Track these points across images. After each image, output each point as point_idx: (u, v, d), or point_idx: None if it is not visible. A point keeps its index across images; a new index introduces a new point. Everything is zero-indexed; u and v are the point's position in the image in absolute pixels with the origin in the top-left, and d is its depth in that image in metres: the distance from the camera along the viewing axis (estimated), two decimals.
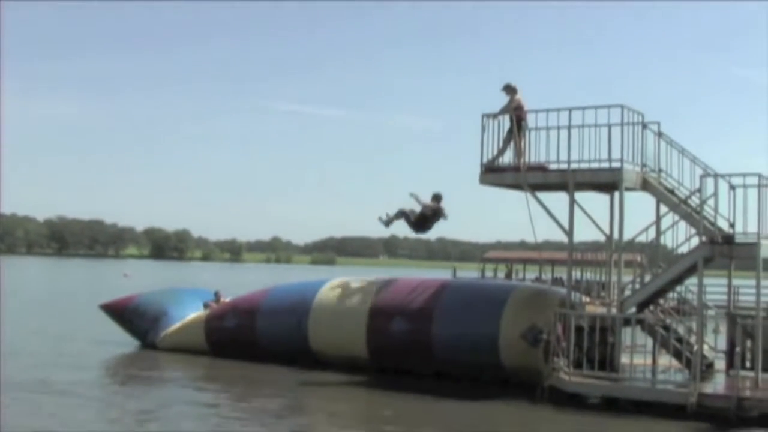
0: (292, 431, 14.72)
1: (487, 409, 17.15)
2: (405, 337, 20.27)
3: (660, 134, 18.59)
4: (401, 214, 21.59)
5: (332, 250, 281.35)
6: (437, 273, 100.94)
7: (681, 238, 18.06)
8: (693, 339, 17.96)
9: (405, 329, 20.32)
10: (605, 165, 18.15)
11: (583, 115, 18.28)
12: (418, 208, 21.57)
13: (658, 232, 18.71)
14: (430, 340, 19.99)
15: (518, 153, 19.22)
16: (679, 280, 18.50)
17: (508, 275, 56.26)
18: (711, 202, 17.38)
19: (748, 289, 22.71)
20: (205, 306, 24.61)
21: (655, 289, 18.15)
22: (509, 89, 19.61)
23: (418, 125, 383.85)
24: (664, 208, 18.51)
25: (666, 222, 18.43)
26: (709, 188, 17.36)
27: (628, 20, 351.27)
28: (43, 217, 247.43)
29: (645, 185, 18.43)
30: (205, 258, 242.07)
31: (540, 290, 21.27)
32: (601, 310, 19.10)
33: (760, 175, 17.13)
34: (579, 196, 18.90)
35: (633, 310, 18.25)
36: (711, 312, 20.61)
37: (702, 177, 17.61)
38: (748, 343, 17.86)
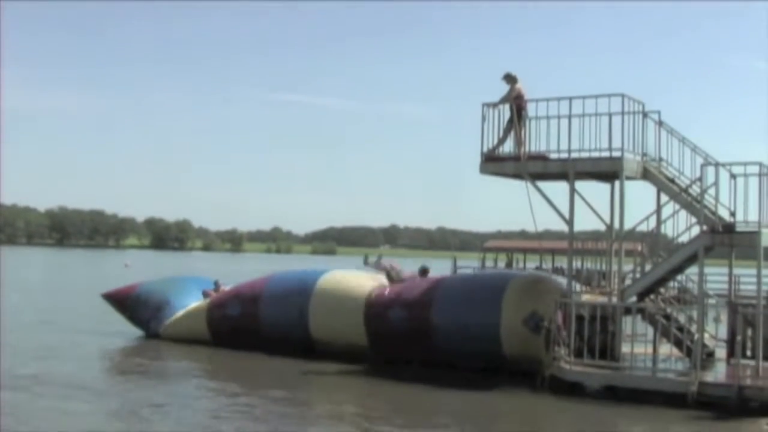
0: (295, 425, 14.71)
1: (488, 398, 17.17)
2: (404, 324, 20.30)
3: (660, 123, 18.57)
4: (386, 272, 22.12)
5: (332, 240, 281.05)
6: (438, 262, 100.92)
7: (682, 227, 18.07)
8: (694, 328, 17.96)
9: (404, 317, 20.36)
10: (606, 154, 18.13)
11: (583, 104, 18.27)
12: (404, 272, 22.24)
13: (659, 222, 18.70)
14: (429, 328, 20.00)
15: (518, 142, 19.20)
16: (679, 269, 18.50)
17: (509, 264, 56.23)
18: (712, 191, 17.37)
19: (748, 278, 22.70)
20: (205, 295, 24.61)
21: (656, 278, 18.15)
22: (509, 78, 19.57)
23: (418, 114, 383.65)
24: (664, 197, 18.50)
25: (667, 211, 18.43)
26: (710, 177, 17.35)
27: (627, 9, 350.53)
28: (44, 208, 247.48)
29: (645, 174, 18.41)
30: (206, 248, 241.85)
31: (538, 277, 21.33)
32: (601, 299, 19.12)
33: (761, 164, 17.12)
34: (579, 185, 18.89)
35: (634, 299, 18.25)
36: (712, 301, 20.61)
37: (703, 166, 17.59)
38: (749, 332, 17.86)
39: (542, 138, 18.80)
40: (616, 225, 18.75)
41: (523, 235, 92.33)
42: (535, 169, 18.95)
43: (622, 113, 18.01)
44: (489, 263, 56.54)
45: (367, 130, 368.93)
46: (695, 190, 17.82)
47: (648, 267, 18.59)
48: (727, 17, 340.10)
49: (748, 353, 17.60)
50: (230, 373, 19.74)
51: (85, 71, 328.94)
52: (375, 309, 20.80)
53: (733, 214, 17.40)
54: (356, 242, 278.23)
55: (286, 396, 16.63)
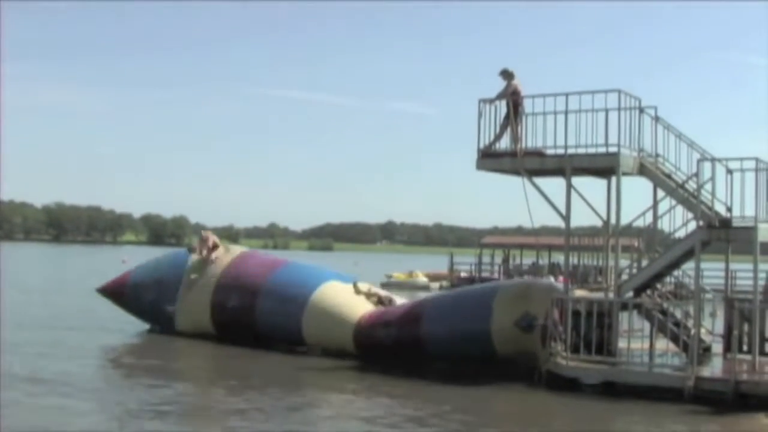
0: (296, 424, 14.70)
1: (485, 394, 17.23)
2: (393, 340, 20.48)
3: (657, 119, 18.58)
4: (379, 300, 22.23)
5: (329, 236, 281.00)
6: (435, 258, 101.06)
7: (678, 222, 18.08)
8: (690, 323, 17.99)
9: (392, 334, 20.56)
10: (602, 150, 18.14)
11: (579, 100, 18.28)
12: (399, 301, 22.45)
13: (656, 217, 18.71)
14: (419, 341, 20.13)
15: (515, 138, 19.20)
16: (676, 264, 18.51)
17: (506, 260, 56.21)
18: (708, 186, 17.39)
19: (745, 273, 22.76)
20: (190, 250, 24.52)
21: (653, 274, 18.17)
22: (506, 74, 19.58)
23: (415, 111, 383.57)
24: (661, 193, 18.51)
25: (663, 206, 18.43)
26: (707, 172, 17.36)
27: (626, 9, 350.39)
28: (40, 204, 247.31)
29: (642, 170, 18.42)
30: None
31: (529, 282, 21.46)
32: (596, 294, 19.14)
33: (757, 159, 17.14)
34: (576, 181, 18.92)
35: (630, 294, 18.28)
36: (708, 296, 20.64)
37: (699, 161, 17.60)
38: (746, 327, 17.91)
39: (539, 134, 18.83)
40: (613, 221, 18.75)
41: (519, 230, 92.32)
42: (531, 165, 18.96)
43: (619, 109, 18.03)
44: (486, 259, 56.46)
45: (363, 126, 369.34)
46: (692, 185, 17.82)
47: (645, 262, 18.61)
48: (722, 12, 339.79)
49: (745, 348, 17.65)
50: (230, 372, 19.59)
51: (83, 67, 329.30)
52: (364, 330, 21.00)
53: (729, 210, 17.42)
54: (353, 238, 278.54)
55: (287, 396, 16.58)
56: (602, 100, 18.12)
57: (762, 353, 17.08)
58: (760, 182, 17.10)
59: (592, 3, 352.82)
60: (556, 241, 40.33)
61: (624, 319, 18.55)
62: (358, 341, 20.96)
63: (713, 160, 17.41)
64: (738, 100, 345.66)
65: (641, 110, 18.55)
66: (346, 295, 22.15)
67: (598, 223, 20.14)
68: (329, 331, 21.43)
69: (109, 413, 14.56)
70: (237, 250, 25.52)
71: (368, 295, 22.23)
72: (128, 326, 25.65)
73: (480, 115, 19.48)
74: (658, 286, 19.65)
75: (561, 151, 18.52)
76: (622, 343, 17.85)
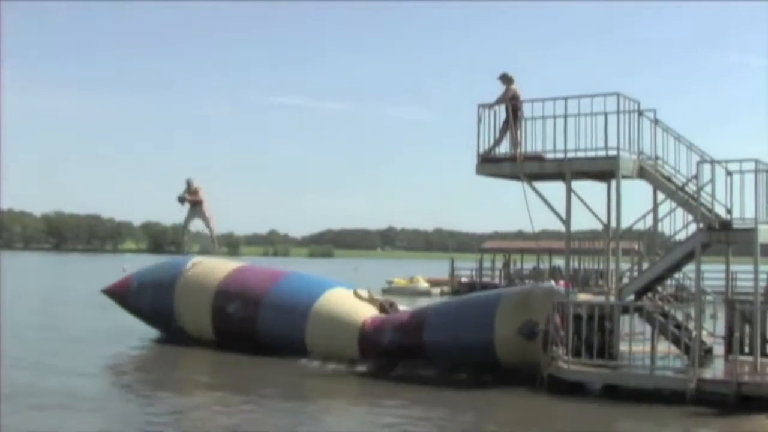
0: None
1: (486, 398, 17.25)
2: (396, 346, 20.47)
3: (656, 121, 18.61)
4: (380, 305, 22.26)
5: (330, 243, 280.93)
6: (435, 264, 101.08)
7: (678, 225, 18.09)
8: (691, 325, 18.00)
9: (395, 340, 20.55)
10: (602, 153, 18.17)
11: (578, 103, 18.30)
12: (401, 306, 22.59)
13: (656, 220, 18.74)
14: (421, 347, 20.14)
15: (514, 143, 19.23)
16: (677, 267, 18.52)
17: (506, 265, 56.22)
18: (708, 188, 17.42)
19: (745, 275, 22.76)
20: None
21: (653, 277, 18.19)
22: (506, 78, 19.60)
23: (415, 116, 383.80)
24: (661, 196, 18.53)
25: (663, 209, 18.46)
26: (706, 174, 17.39)
27: (622, 11, 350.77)
28: (40, 212, 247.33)
29: (642, 173, 18.44)
30: (204, 252, 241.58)
31: (528, 289, 21.48)
32: (598, 298, 19.16)
33: (756, 161, 17.17)
34: (576, 184, 18.94)
35: (631, 297, 18.29)
36: (709, 298, 20.65)
37: (699, 163, 17.63)
38: (747, 328, 17.92)
39: (538, 138, 18.87)
40: (613, 224, 18.78)
41: (520, 235, 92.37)
42: (531, 169, 18.99)
43: (618, 112, 18.06)
44: (487, 264, 56.47)
45: (363, 131, 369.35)
46: (691, 187, 17.84)
47: (645, 265, 18.63)
48: (721, 13, 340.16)
49: (746, 349, 17.67)
50: (233, 381, 19.26)
51: (81, 74, 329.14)
52: (368, 337, 20.99)
53: (729, 211, 17.43)
54: (354, 245, 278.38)
55: (290, 403, 16.50)
56: (601, 103, 18.16)
57: (763, 355, 17.09)
58: (760, 184, 17.14)
59: (588, 3, 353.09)
60: (557, 245, 40.34)
61: (625, 322, 18.56)
62: (362, 347, 20.95)
63: (713, 162, 17.44)
64: (737, 100, 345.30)
65: (640, 113, 18.58)
66: (350, 301, 22.15)
67: (599, 226, 20.16)
68: (333, 339, 21.40)
69: (109, 428, 14.29)
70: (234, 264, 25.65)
71: (370, 301, 22.24)
72: (128, 337, 25.62)
73: (479, 120, 19.51)
74: (659, 288, 19.67)
75: (561, 155, 18.55)
76: (623, 347, 17.88)
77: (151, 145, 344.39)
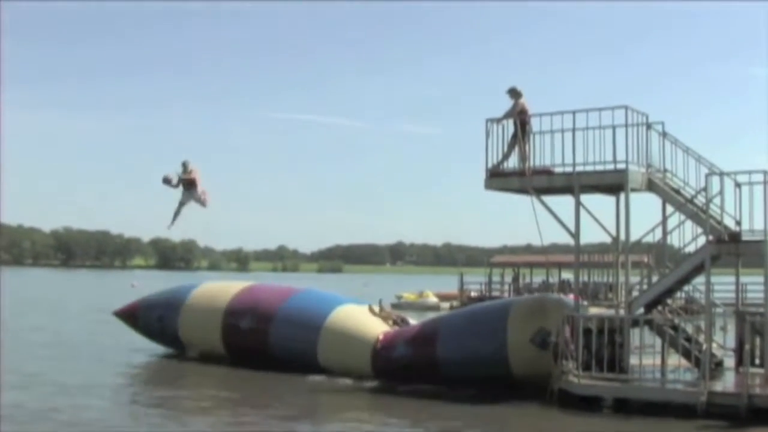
0: None
1: (497, 413, 17.22)
2: (408, 360, 20.44)
3: (664, 134, 18.61)
4: (392, 321, 22.35)
5: (339, 258, 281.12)
6: (444, 279, 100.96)
7: (688, 237, 18.08)
8: (701, 338, 17.96)
9: (408, 353, 20.52)
10: (610, 167, 18.16)
11: (587, 117, 18.30)
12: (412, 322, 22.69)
13: (665, 232, 18.72)
14: (435, 361, 20.11)
15: (523, 157, 19.24)
16: (686, 279, 18.50)
17: (515, 279, 56.13)
18: (717, 200, 17.41)
19: (756, 286, 22.71)
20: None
21: (663, 290, 18.16)
22: (514, 93, 19.61)
23: (423, 131, 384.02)
24: (670, 208, 18.52)
25: (672, 222, 18.44)
26: (715, 187, 17.39)
27: (631, 25, 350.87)
28: (49, 228, 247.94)
29: (650, 186, 18.44)
30: (212, 267, 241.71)
31: (542, 297, 21.45)
32: (608, 311, 19.13)
33: (765, 172, 17.11)
34: (584, 198, 18.93)
35: (641, 310, 18.26)
36: (719, 310, 20.61)
37: (707, 176, 17.62)
38: (757, 341, 17.88)
39: (547, 152, 18.88)
40: (622, 237, 18.77)
41: (529, 249, 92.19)
42: (540, 183, 19.00)
43: (626, 125, 18.05)
44: (496, 278, 56.38)
45: (371, 147, 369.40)
46: (700, 200, 17.83)
47: (655, 278, 18.61)
48: (721, 23, 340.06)
49: (757, 362, 17.63)
50: (243, 398, 19.14)
51: (91, 91, 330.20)
52: (381, 352, 20.96)
53: (738, 223, 17.41)
54: (363, 260, 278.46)
55: (303, 419, 16.53)
56: (609, 116, 18.16)
57: None
58: None
59: (595, 18, 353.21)
60: (566, 259, 40.28)
61: (635, 335, 18.53)
62: (375, 362, 20.95)
63: (721, 174, 17.43)
64: (744, 111, 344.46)
65: (648, 126, 18.59)
66: (362, 317, 22.16)
67: (608, 239, 20.15)
68: (346, 354, 21.40)
69: None
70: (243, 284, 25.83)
71: (384, 317, 22.24)
72: (137, 353, 25.73)
73: (487, 134, 19.54)
74: (669, 301, 19.64)
75: (569, 169, 18.55)
76: (633, 360, 17.83)
77: (160, 161, 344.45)
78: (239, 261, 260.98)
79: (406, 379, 20.19)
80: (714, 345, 18.45)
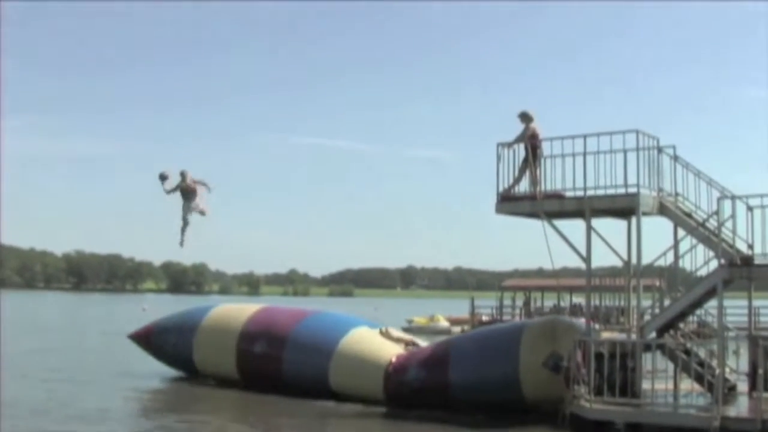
0: None
1: None
2: (421, 383, 20.38)
3: (676, 158, 18.58)
4: (404, 344, 22.33)
5: (350, 282, 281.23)
6: (455, 303, 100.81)
7: (699, 261, 17.98)
8: (714, 362, 17.86)
9: (421, 377, 20.45)
10: (621, 191, 18.13)
11: (598, 141, 18.28)
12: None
13: (677, 256, 18.64)
14: (447, 385, 20.05)
15: (534, 181, 19.23)
16: (698, 303, 18.42)
17: (527, 303, 56.00)
18: (729, 224, 17.34)
19: None
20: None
21: (675, 314, 18.08)
22: (525, 117, 19.62)
23: (434, 155, 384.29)
24: (682, 232, 18.46)
25: (684, 245, 18.37)
26: (727, 210, 17.32)
27: (645, 50, 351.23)
28: (61, 252, 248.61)
29: (662, 209, 18.40)
30: (223, 291, 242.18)
31: (554, 320, 21.39)
32: (620, 335, 19.05)
33: None
34: (596, 221, 18.88)
35: (653, 335, 18.18)
36: (732, 334, 20.50)
37: (719, 199, 17.56)
38: None
39: (558, 176, 18.86)
40: (634, 261, 18.71)
41: (540, 272, 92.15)
42: (551, 207, 18.97)
43: (637, 149, 18.03)
44: (507, 302, 56.25)
45: (382, 171, 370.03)
46: (712, 223, 17.78)
47: (667, 302, 18.54)
48: (737, 48, 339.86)
49: None
50: (258, 425, 19.08)
51: (102, 117, 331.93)
52: (393, 376, 20.89)
53: (751, 247, 17.35)
54: (373, 283, 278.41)
55: None
56: (620, 140, 18.14)
57: None
58: None
59: (606, 46, 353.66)
60: (577, 283, 40.16)
61: (647, 359, 18.44)
62: (387, 386, 20.88)
63: (733, 197, 17.37)
64: (755, 136, 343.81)
65: (660, 150, 18.57)
66: (374, 340, 22.12)
67: (619, 263, 20.09)
68: (358, 378, 21.35)
69: None
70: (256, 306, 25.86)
71: (397, 340, 22.18)
72: (151, 378, 25.80)
73: (498, 158, 19.54)
74: (681, 325, 19.55)
75: (580, 193, 18.52)
76: (646, 384, 17.73)
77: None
78: (250, 285, 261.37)
79: (418, 402, 20.12)
80: (727, 369, 18.33)
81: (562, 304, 52.83)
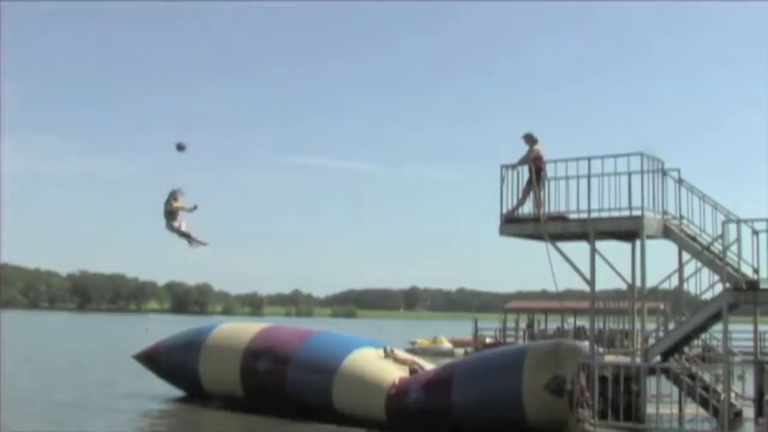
0: None
1: None
2: (423, 406, 20.24)
3: (680, 181, 18.54)
4: (409, 368, 22.09)
5: (353, 303, 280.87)
6: (458, 324, 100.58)
7: (704, 285, 17.91)
8: (720, 387, 17.74)
9: (423, 399, 20.33)
10: (626, 213, 18.08)
11: (602, 163, 18.26)
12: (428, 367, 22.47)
13: (681, 280, 18.57)
14: (450, 406, 19.92)
15: (538, 203, 19.19)
16: (703, 327, 18.32)
17: (530, 325, 55.84)
18: (734, 248, 17.27)
19: None
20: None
21: (680, 337, 17.99)
22: (530, 139, 19.61)
23: (438, 176, 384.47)
24: (686, 255, 18.39)
25: (689, 269, 18.30)
26: (732, 234, 17.26)
27: (644, 67, 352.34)
28: (65, 272, 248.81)
29: (666, 232, 18.34)
30: (226, 312, 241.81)
31: (558, 343, 21.30)
32: (624, 359, 18.95)
33: None
34: (600, 244, 18.81)
35: (658, 358, 18.07)
36: (737, 359, 20.38)
37: (724, 223, 17.51)
38: None
39: (562, 198, 18.84)
40: (638, 284, 18.63)
41: (544, 294, 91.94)
42: (554, 230, 18.91)
43: (642, 172, 17.99)
44: (510, 324, 56.11)
45: (386, 192, 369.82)
46: (717, 247, 17.70)
47: (671, 326, 18.44)
48: (742, 74, 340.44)
49: None
50: None
51: (106, 137, 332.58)
52: (395, 397, 20.78)
53: (756, 271, 17.26)
54: (376, 305, 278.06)
55: None
56: (625, 163, 18.10)
57: None
58: None
59: (605, 69, 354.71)
60: (581, 305, 40.04)
61: (652, 383, 18.33)
62: (389, 407, 20.75)
63: (738, 221, 17.31)
64: (761, 161, 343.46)
65: (664, 173, 18.53)
66: (378, 362, 22.03)
67: (623, 286, 20.00)
68: (360, 399, 21.24)
69: None
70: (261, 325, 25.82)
71: (401, 362, 22.06)
72: (153, 400, 25.63)
73: (502, 180, 19.50)
74: (686, 349, 19.45)
75: (584, 216, 18.47)
76: (650, 409, 17.62)
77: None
78: (253, 305, 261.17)
79: (420, 425, 19.98)
80: (732, 395, 18.22)
81: (565, 326, 52.68)
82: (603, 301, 21.29)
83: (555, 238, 18.98)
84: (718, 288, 17.52)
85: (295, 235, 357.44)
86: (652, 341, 18.53)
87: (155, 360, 26.84)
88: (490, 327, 59.03)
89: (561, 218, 18.89)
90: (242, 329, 25.41)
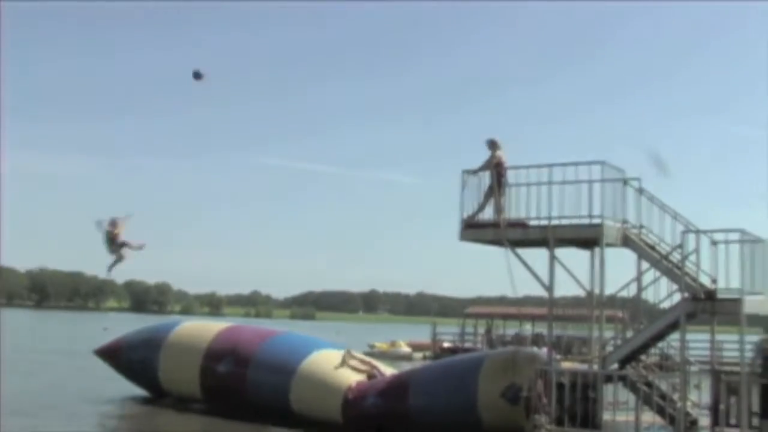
0: None
1: None
2: (379, 410, 20.19)
3: (641, 190, 18.59)
4: (367, 373, 21.95)
5: (312, 305, 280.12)
6: (417, 328, 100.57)
7: (663, 293, 18.01)
8: (676, 396, 17.80)
9: (379, 403, 20.29)
10: (586, 221, 18.11)
11: (563, 171, 18.29)
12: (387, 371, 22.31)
13: (640, 288, 18.61)
14: (406, 411, 19.87)
15: (498, 209, 19.17)
16: (661, 336, 18.39)
17: (489, 331, 55.97)
18: (693, 257, 17.35)
19: (731, 345, 22.61)
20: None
21: (638, 345, 18.03)
22: (492, 144, 19.59)
23: (399, 180, 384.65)
24: (645, 264, 18.44)
25: (648, 278, 18.36)
26: (691, 244, 17.34)
27: (621, 80, 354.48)
28: (24, 268, 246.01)
29: (626, 241, 18.38)
30: (185, 311, 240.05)
31: (516, 350, 21.32)
32: (582, 366, 18.98)
33: (742, 231, 17.12)
34: (559, 251, 18.83)
35: (615, 366, 18.10)
36: (694, 368, 20.47)
37: (683, 233, 17.59)
38: (733, 400, 17.70)
39: (522, 205, 18.85)
40: (597, 291, 18.66)
41: (503, 300, 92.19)
42: (514, 236, 18.91)
43: (602, 180, 18.04)
44: (469, 329, 56.22)
45: (346, 194, 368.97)
46: (676, 256, 17.77)
47: (629, 334, 18.48)
48: (701, 82, 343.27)
49: (732, 421, 17.44)
50: None
51: (69, 132, 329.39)
52: (352, 402, 20.71)
53: (714, 281, 17.35)
54: (335, 307, 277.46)
55: None
56: (586, 171, 18.14)
57: (751, 427, 16.86)
58: (745, 254, 17.06)
59: (574, 72, 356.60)
60: (540, 312, 40.16)
61: (609, 391, 18.35)
62: (345, 411, 20.63)
63: (698, 231, 17.40)
64: (726, 171, 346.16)
65: (625, 182, 18.57)
66: (336, 363, 21.89)
67: (582, 293, 20.03)
68: (317, 400, 21.13)
69: None
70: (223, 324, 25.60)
71: (359, 366, 21.92)
72: (113, 401, 25.29)
73: (463, 185, 19.46)
74: (643, 357, 19.50)
75: (544, 222, 18.48)
76: (607, 416, 17.65)
77: (134, 204, 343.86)
78: (212, 305, 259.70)
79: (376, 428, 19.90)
80: (689, 403, 18.28)
81: (524, 332, 52.85)
82: (562, 308, 21.35)
83: (515, 244, 18.97)
84: (677, 297, 17.59)
85: (255, 235, 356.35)
86: (609, 349, 18.56)
87: (115, 356, 26.42)
88: (448, 332, 59.17)
89: (521, 225, 18.89)
90: (204, 328, 25.17)
